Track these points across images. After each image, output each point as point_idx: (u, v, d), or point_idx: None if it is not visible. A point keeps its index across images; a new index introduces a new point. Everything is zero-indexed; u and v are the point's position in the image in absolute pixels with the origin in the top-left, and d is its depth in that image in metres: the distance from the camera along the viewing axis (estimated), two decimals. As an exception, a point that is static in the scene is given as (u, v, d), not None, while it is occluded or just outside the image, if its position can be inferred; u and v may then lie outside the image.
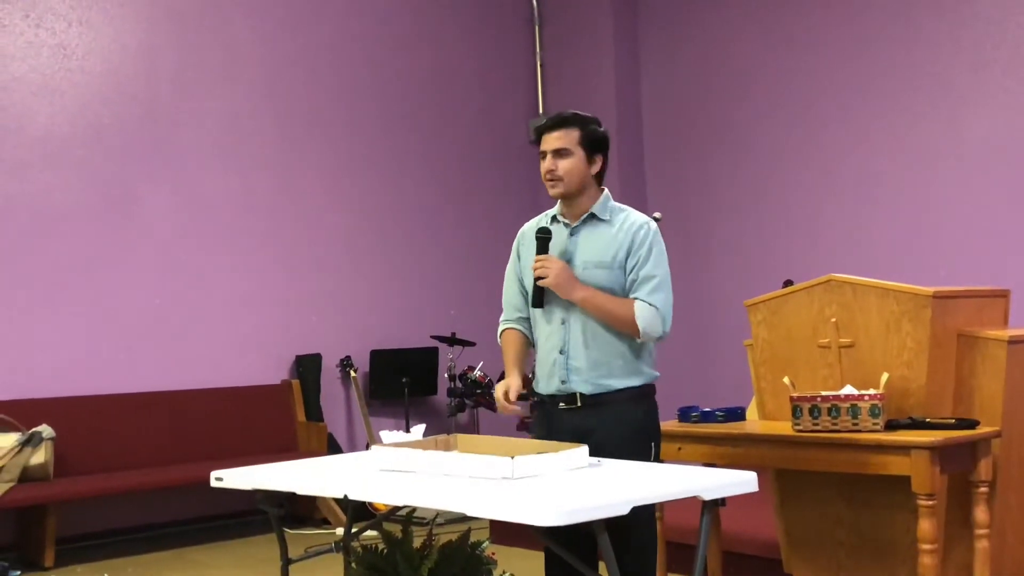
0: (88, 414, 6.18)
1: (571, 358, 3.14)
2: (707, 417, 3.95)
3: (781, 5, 7.33)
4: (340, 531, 5.54)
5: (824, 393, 3.57)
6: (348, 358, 7.16)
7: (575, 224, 3.19)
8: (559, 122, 3.15)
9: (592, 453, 2.99)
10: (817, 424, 3.54)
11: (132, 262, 6.52)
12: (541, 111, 8.48)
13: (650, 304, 3.07)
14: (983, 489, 3.45)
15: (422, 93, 7.89)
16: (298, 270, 7.20)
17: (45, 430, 5.73)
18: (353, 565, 3.44)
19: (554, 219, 3.25)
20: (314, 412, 7.05)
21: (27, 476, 5.59)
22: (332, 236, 7.37)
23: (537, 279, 3.14)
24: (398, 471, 2.97)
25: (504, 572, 3.66)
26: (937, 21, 6.51)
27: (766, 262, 7.23)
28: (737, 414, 3.98)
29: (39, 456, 5.66)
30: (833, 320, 3.77)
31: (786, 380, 3.73)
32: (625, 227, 3.14)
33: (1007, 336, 3.61)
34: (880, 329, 3.65)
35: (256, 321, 6.99)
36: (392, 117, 7.70)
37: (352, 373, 7.07)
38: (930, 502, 3.27)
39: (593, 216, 3.18)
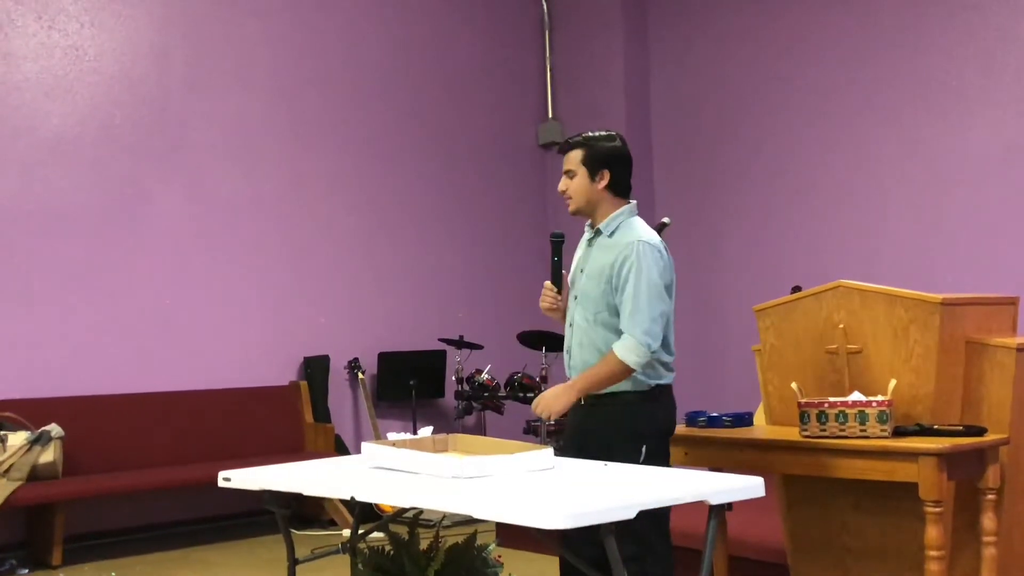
0: (97, 414, 6.20)
1: (572, 358, 3.44)
2: (714, 422, 3.95)
3: (791, 10, 7.33)
4: (347, 532, 5.53)
5: (832, 399, 3.56)
6: (356, 360, 7.17)
7: (591, 236, 3.46)
8: (566, 146, 3.44)
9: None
10: (825, 430, 3.54)
11: (142, 262, 6.54)
12: (551, 115, 8.49)
13: (628, 335, 3.24)
14: (991, 496, 3.44)
15: (433, 96, 7.91)
16: (307, 271, 7.22)
17: (54, 429, 5.76)
18: (360, 566, 3.44)
19: (587, 230, 3.54)
20: (322, 413, 7.06)
21: (36, 475, 5.61)
22: (341, 238, 7.39)
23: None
24: (383, 468, 3.08)
25: (510, 575, 3.66)
26: (947, 27, 6.50)
27: (775, 267, 7.22)
28: (744, 419, 3.98)
29: (48, 455, 5.68)
30: (841, 326, 3.76)
31: (794, 386, 3.73)
32: (614, 247, 3.34)
33: (1015, 343, 3.60)
34: (888, 336, 3.64)
35: (265, 322, 7.01)
36: (402, 120, 7.72)
37: (360, 375, 7.08)
38: (937, 509, 3.26)
39: (600, 231, 3.41)
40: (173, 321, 6.62)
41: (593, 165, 3.36)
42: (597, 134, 3.41)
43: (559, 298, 3.49)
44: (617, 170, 3.38)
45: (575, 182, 3.38)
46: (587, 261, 3.42)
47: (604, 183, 3.36)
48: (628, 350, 3.23)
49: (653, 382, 3.33)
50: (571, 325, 3.43)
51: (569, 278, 3.52)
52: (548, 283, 3.50)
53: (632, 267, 3.26)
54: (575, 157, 3.38)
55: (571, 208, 3.42)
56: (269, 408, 6.89)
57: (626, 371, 3.25)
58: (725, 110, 7.70)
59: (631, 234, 3.34)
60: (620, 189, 3.40)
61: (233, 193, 6.94)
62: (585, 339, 3.37)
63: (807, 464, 3.60)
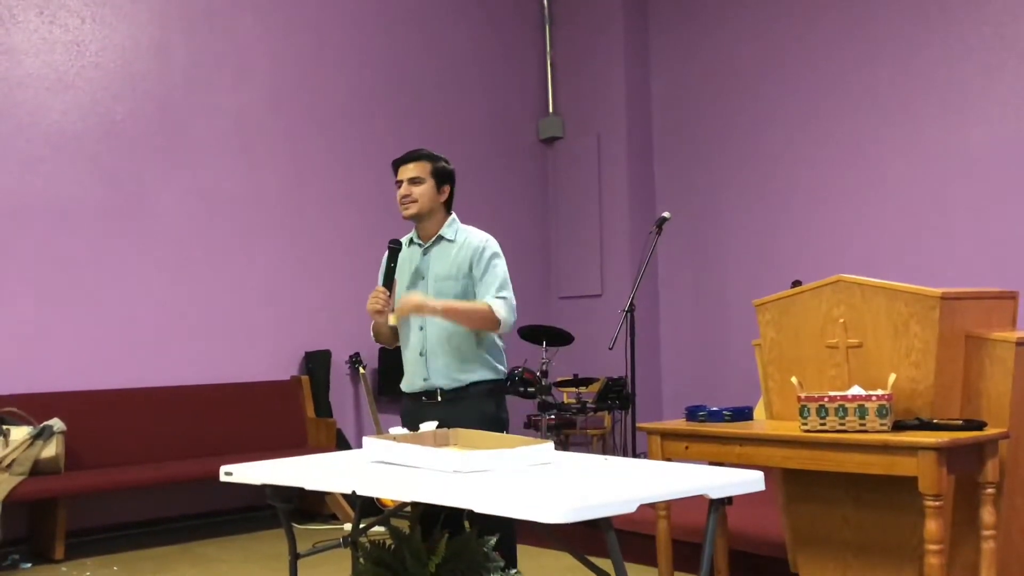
0: (99, 408, 6.21)
1: (430, 358, 3.66)
2: (714, 416, 3.97)
3: (790, 7, 7.33)
4: (348, 527, 5.56)
5: (832, 393, 3.58)
6: (357, 355, 7.18)
7: (427, 244, 3.75)
8: (415, 156, 3.74)
9: None
10: (824, 424, 3.55)
11: (143, 257, 6.55)
12: (551, 111, 8.50)
13: (501, 298, 3.60)
14: (990, 490, 3.45)
15: (433, 91, 7.91)
16: (308, 266, 7.23)
17: (56, 424, 5.77)
18: (361, 560, 3.45)
19: (411, 241, 3.82)
20: (323, 408, 7.08)
21: (38, 469, 5.63)
22: (342, 232, 7.39)
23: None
24: (384, 462, 3.07)
25: (512, 569, 3.67)
26: (947, 24, 6.50)
27: (774, 262, 7.23)
28: (745, 414, 3.99)
29: (50, 450, 5.69)
30: (841, 320, 3.77)
31: (794, 380, 3.74)
32: (466, 246, 3.69)
33: (1015, 338, 3.61)
34: (888, 330, 3.65)
35: (266, 317, 7.02)
36: (403, 115, 7.72)
37: (361, 370, 7.09)
38: (937, 503, 3.28)
39: (441, 237, 3.74)
40: (174, 316, 6.63)
41: (440, 179, 3.71)
42: (438, 155, 3.76)
43: (390, 302, 3.68)
44: (453, 189, 3.76)
45: (422, 188, 3.68)
46: (429, 266, 3.70)
47: (444, 197, 3.74)
48: (503, 307, 3.57)
49: (504, 369, 3.69)
50: (421, 329, 3.66)
51: (399, 287, 3.72)
52: (380, 287, 3.69)
53: (491, 260, 3.66)
54: (424, 167, 3.69)
55: (412, 211, 3.70)
56: (271, 403, 6.90)
57: (491, 321, 3.56)
58: (725, 104, 7.70)
59: (476, 237, 3.72)
60: (450, 205, 3.78)
61: (234, 188, 6.95)
62: (448, 336, 3.61)
63: (807, 458, 3.62)
